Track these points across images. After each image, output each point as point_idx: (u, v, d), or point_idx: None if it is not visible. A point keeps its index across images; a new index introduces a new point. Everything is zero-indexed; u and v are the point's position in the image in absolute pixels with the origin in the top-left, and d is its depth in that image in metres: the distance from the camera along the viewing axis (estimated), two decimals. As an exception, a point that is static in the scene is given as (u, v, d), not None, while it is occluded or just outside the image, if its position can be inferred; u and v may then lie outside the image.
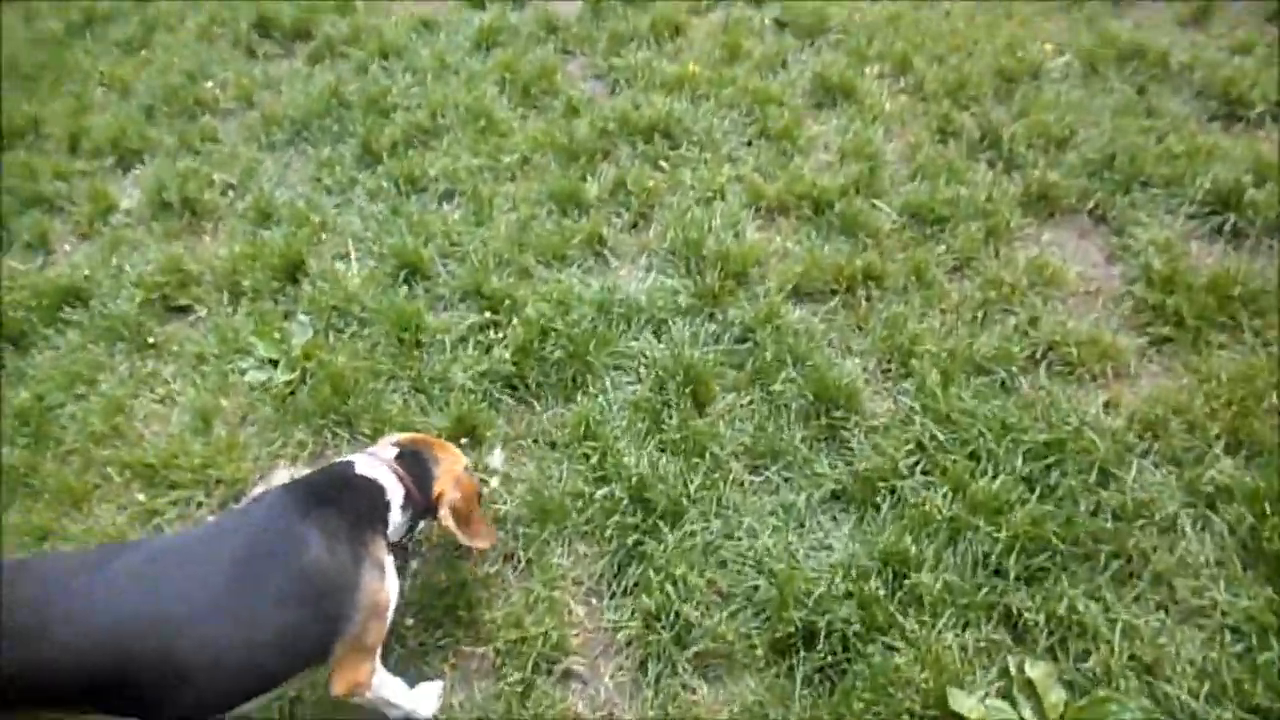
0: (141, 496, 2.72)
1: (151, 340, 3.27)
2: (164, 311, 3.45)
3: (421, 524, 2.28)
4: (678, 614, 2.30)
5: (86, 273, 3.57)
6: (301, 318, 3.31)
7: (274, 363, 3.12)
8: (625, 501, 2.54)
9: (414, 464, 2.19)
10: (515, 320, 3.10)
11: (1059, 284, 3.11)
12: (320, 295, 3.35)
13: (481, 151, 4.10)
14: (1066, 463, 2.52)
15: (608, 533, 2.51)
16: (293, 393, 3.03)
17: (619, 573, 2.45)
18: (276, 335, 3.18)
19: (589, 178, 3.82)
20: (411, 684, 2.19)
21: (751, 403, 2.85)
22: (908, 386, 2.83)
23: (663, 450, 2.69)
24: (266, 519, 1.88)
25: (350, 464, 2.13)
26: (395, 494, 2.08)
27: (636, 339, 3.06)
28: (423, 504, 2.15)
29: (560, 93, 4.35)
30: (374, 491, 2.06)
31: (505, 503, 2.61)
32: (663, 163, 3.88)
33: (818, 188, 3.55)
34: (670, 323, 3.11)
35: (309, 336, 3.20)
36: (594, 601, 2.45)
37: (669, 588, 2.34)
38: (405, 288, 3.39)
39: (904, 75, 4.22)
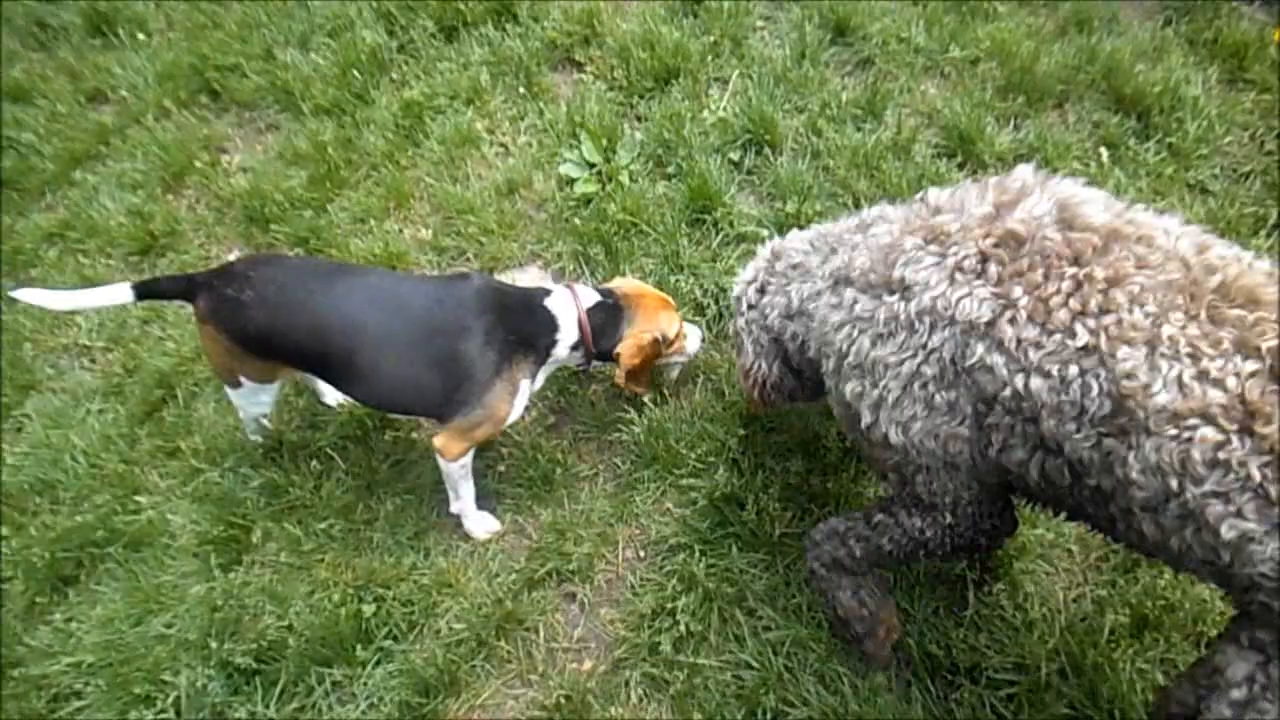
0: (425, 233, 3.21)
1: (525, 89, 3.57)
2: (557, 61, 3.70)
3: (602, 364, 2.56)
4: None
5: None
6: (638, 134, 3.38)
7: (590, 165, 3.30)
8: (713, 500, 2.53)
9: (606, 317, 2.45)
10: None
11: None
12: (668, 118, 3.35)
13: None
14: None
15: (698, 507, 2.54)
16: (585, 204, 3.22)
17: (672, 552, 2.51)
18: (605, 141, 3.30)
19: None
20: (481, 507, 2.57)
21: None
22: None
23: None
24: (458, 300, 2.30)
25: (546, 294, 2.43)
26: (566, 336, 2.41)
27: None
28: (596, 352, 2.44)
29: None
30: (547, 326, 2.39)
31: (633, 424, 2.69)
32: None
33: None
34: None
35: (630, 157, 3.29)
36: (643, 555, 2.55)
37: (685, 596, 2.39)
38: (739, 154, 3.27)
39: None
